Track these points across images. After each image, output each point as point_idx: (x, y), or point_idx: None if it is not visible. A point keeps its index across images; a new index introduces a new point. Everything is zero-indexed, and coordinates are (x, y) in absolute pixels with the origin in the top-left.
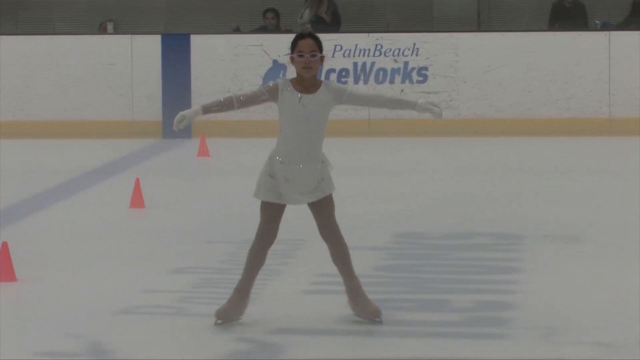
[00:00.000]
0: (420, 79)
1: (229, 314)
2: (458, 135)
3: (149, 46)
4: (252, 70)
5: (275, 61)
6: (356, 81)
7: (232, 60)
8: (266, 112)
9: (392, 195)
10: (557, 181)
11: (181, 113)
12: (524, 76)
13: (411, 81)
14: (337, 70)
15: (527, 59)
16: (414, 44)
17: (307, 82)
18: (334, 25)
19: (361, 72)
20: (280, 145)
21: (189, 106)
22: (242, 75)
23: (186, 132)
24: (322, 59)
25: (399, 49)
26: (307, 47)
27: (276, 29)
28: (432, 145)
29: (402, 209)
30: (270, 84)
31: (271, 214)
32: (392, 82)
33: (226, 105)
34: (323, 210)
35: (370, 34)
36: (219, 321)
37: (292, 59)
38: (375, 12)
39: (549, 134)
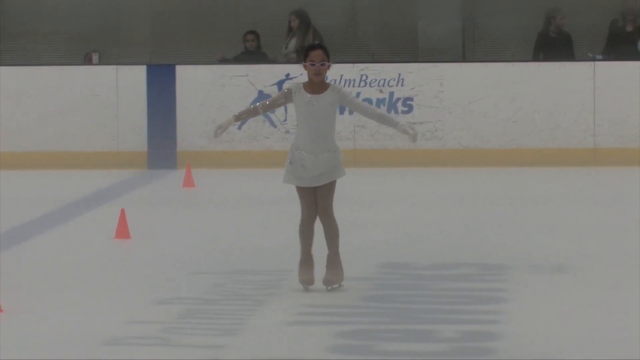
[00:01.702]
0: (406, 109)
1: (309, 278)
2: (443, 165)
3: (135, 77)
4: (238, 101)
5: (260, 92)
6: (341, 111)
7: (217, 90)
8: (251, 143)
9: (378, 225)
10: (542, 211)
11: (217, 124)
12: (508, 106)
13: (396, 111)
14: None
15: (511, 89)
16: (399, 75)
17: (316, 85)
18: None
19: None
20: (298, 137)
21: (174, 137)
22: (227, 105)
23: (171, 163)
24: (329, 66)
25: (384, 80)
26: (317, 57)
27: (257, 51)
28: (418, 176)
29: (388, 239)
30: (285, 90)
31: (301, 195)
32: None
33: (253, 112)
34: (326, 193)
35: (356, 65)
36: (309, 286)
37: (304, 66)
38: (360, 42)
39: (534, 164)
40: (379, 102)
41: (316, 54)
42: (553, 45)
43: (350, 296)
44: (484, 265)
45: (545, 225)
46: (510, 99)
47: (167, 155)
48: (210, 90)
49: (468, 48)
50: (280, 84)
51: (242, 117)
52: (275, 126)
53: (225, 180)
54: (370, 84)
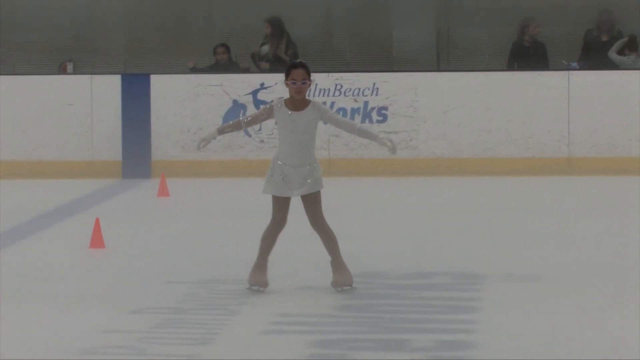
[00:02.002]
0: (380, 118)
1: (264, 280)
2: (418, 174)
3: (109, 86)
4: (212, 110)
5: (235, 101)
6: None
7: (192, 100)
8: (225, 152)
9: (352, 235)
10: (517, 220)
11: (201, 137)
12: (483, 116)
13: (371, 121)
14: None
15: (486, 99)
16: (374, 84)
17: (297, 102)
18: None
19: None
20: (280, 151)
21: (148, 146)
22: (202, 115)
23: (146, 172)
24: (310, 84)
25: (359, 89)
26: (299, 76)
27: (228, 63)
28: (392, 185)
29: (362, 249)
30: (267, 106)
31: (277, 203)
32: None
33: (236, 126)
34: (312, 204)
35: (330, 74)
36: (255, 287)
37: (286, 84)
38: (335, 52)
39: (509, 173)
40: (354, 111)
41: (298, 73)
42: (527, 54)
43: (324, 305)
44: (459, 275)
45: (520, 235)
46: (484, 109)
47: (142, 165)
48: (184, 99)
49: (442, 58)
50: (255, 93)
51: (225, 131)
52: (250, 136)
53: (200, 190)
54: (344, 93)
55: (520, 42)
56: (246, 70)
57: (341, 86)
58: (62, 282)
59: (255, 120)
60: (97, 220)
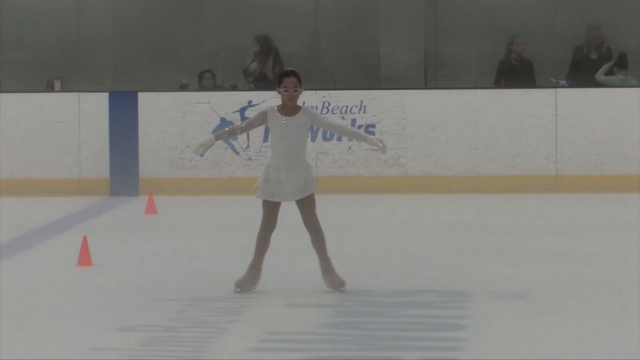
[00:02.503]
0: None
1: (246, 284)
2: (405, 192)
3: (97, 104)
4: (200, 128)
5: (222, 119)
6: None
7: (179, 117)
8: (213, 170)
9: (338, 252)
10: (505, 238)
11: (200, 142)
12: (470, 133)
13: None
14: None
15: (473, 116)
16: (362, 102)
17: (289, 109)
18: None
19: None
20: (273, 157)
21: (136, 164)
22: (189, 132)
23: (133, 190)
24: (301, 92)
25: (347, 106)
26: (291, 84)
27: (214, 89)
28: (380, 202)
29: (348, 266)
30: (261, 113)
31: (269, 208)
32: (339, 139)
33: (232, 132)
34: (306, 206)
35: (318, 92)
36: (238, 289)
37: (278, 92)
38: (322, 69)
39: (496, 191)
40: None
41: (290, 81)
42: (514, 72)
43: (312, 323)
44: (446, 292)
45: (507, 252)
46: (472, 126)
47: (130, 183)
48: (172, 117)
49: (430, 75)
50: (242, 110)
51: (222, 137)
52: (237, 153)
53: (187, 207)
54: (332, 110)
55: (507, 59)
56: (234, 88)
57: (329, 103)
58: (49, 300)
59: (250, 126)
60: (84, 238)
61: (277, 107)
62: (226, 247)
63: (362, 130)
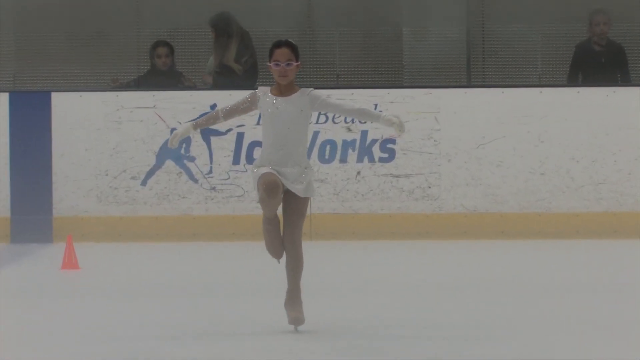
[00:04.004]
0: (385, 155)
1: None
2: (440, 236)
3: None
4: (140, 144)
5: (174, 130)
6: None
7: (112, 128)
8: (160, 205)
9: (344, 323)
10: (587, 303)
11: (175, 132)
12: (533, 151)
13: (371, 159)
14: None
15: (538, 127)
16: (376, 105)
17: (283, 88)
18: (249, 77)
19: None
20: (263, 151)
21: (49, 196)
22: (125, 149)
23: (44, 235)
24: (297, 66)
25: None
26: (283, 57)
27: (171, 70)
28: (401, 252)
29: (356, 341)
30: (250, 93)
31: (268, 190)
32: (343, 160)
33: (213, 118)
34: (296, 213)
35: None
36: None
37: (269, 67)
38: (319, 58)
39: (572, 234)
40: (346, 144)
41: (281, 53)
42: (597, 62)
43: None
44: None
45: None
46: (536, 141)
47: (39, 224)
48: (101, 128)
49: (475, 67)
50: (200, 117)
51: (201, 125)
52: (196, 181)
53: (121, 260)
54: (333, 119)
55: (587, 44)
56: (191, 87)
57: None
58: None
59: (235, 110)
60: None
61: (271, 88)
62: (176, 318)
63: (377, 146)
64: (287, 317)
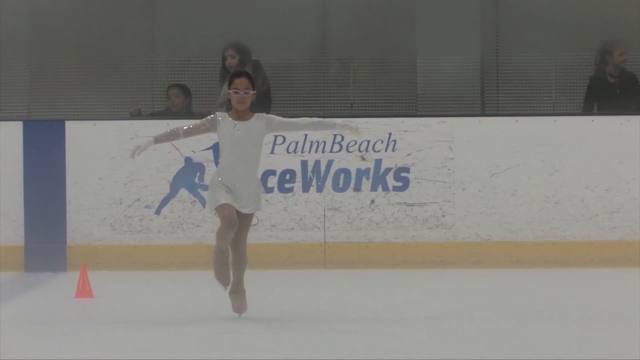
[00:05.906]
0: (399, 184)
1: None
2: (455, 265)
3: (5, 136)
4: (155, 172)
5: (188, 159)
6: (306, 188)
7: (126, 157)
8: (174, 233)
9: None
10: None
11: (136, 144)
12: (548, 180)
13: (385, 188)
14: (278, 173)
15: (552, 155)
16: (390, 135)
17: (241, 114)
18: (263, 105)
19: (313, 175)
20: (220, 168)
21: (63, 225)
22: (140, 178)
23: (59, 263)
24: (254, 94)
25: (368, 141)
26: (242, 85)
27: (186, 111)
28: (416, 281)
29: None
30: (210, 116)
31: (223, 210)
32: (357, 189)
33: (173, 135)
34: (246, 225)
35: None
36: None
37: (228, 94)
38: (332, 87)
39: (586, 263)
40: (360, 173)
41: (240, 82)
42: (612, 91)
43: None
44: None
45: None
46: (550, 169)
47: (53, 252)
48: (115, 157)
49: (489, 95)
50: (216, 148)
51: (161, 140)
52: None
53: (136, 289)
54: (347, 147)
55: (602, 74)
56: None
57: (342, 137)
58: None
59: (195, 130)
60: None
61: (228, 113)
62: (191, 348)
63: (391, 174)
64: (231, 306)
